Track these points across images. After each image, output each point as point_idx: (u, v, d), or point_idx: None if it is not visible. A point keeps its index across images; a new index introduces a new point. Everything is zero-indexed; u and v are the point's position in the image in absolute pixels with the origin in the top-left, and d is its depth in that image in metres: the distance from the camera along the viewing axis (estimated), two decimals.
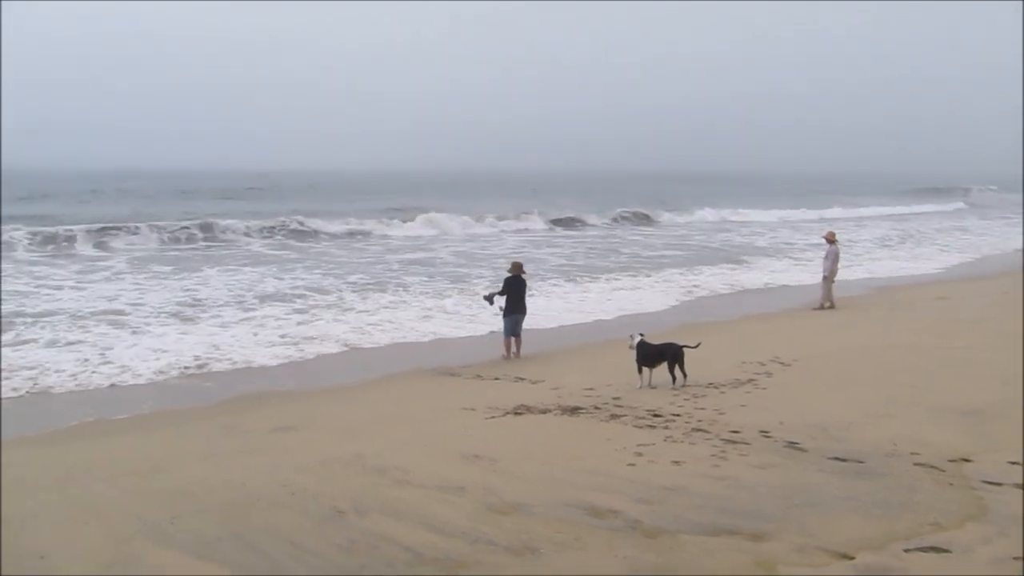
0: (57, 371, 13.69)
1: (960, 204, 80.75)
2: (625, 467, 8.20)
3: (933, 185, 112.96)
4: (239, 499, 7.62)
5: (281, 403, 12.03)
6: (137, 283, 23.88)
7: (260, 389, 13.01)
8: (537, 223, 47.36)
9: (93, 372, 13.81)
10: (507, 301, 15.81)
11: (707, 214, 56.40)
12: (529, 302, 16.38)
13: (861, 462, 8.11)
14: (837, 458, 8.26)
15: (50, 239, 33.73)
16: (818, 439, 8.94)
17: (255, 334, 16.74)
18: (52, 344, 15.66)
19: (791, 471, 7.96)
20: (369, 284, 24.13)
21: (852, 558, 5.96)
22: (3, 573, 5.81)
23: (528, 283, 16.73)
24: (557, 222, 49.14)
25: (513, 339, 15.63)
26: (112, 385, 13.32)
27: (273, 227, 39.75)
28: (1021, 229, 44.11)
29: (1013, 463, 7.91)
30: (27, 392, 12.80)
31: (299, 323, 18.05)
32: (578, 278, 26.03)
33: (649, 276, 26.84)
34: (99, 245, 33.77)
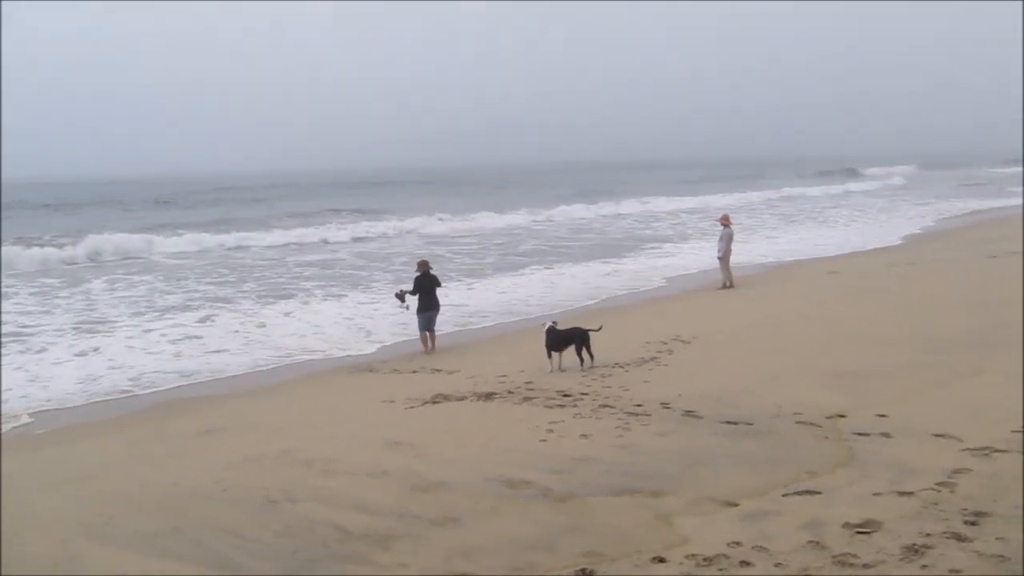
0: None
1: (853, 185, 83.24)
2: (537, 443, 8.86)
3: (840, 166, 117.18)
4: (173, 497, 7.99)
5: (205, 407, 12.29)
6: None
7: (182, 396, 13.20)
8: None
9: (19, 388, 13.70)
10: (419, 298, 16.26)
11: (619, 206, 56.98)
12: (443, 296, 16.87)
13: (750, 424, 8.96)
14: (729, 422, 9.09)
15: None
16: (712, 407, 9.76)
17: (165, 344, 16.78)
18: None
19: (687, 436, 8.75)
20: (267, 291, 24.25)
21: (737, 505, 6.74)
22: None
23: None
24: None
25: (427, 334, 16.08)
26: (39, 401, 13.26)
27: None
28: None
29: (880, 415, 8.86)
30: None
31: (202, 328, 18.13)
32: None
33: (555, 267, 27.60)
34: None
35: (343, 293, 22.75)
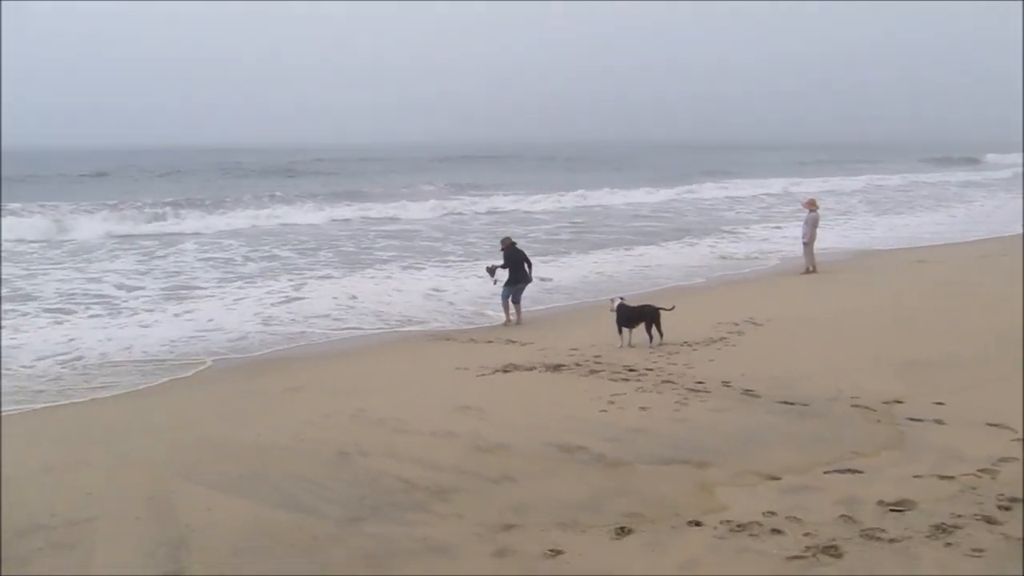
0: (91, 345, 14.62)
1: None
2: (597, 413, 9.27)
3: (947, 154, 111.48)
4: (256, 446, 8.70)
5: (290, 367, 13.07)
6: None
7: (270, 355, 14.03)
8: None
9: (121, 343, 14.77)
10: (510, 272, 16.74)
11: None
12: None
13: (806, 405, 9.19)
14: (785, 402, 9.34)
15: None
16: (772, 387, 10.00)
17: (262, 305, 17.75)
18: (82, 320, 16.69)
19: (742, 413, 9.04)
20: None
21: (779, 479, 7.04)
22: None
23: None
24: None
25: (513, 305, 16.57)
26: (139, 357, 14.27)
27: None
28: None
29: (938, 403, 8.97)
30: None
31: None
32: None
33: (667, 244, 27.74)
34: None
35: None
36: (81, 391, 11.84)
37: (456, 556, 5.92)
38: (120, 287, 20.04)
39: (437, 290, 19.63)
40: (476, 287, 19.66)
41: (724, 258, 25.10)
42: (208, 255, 25.67)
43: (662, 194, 48.98)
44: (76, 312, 17.13)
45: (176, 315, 16.91)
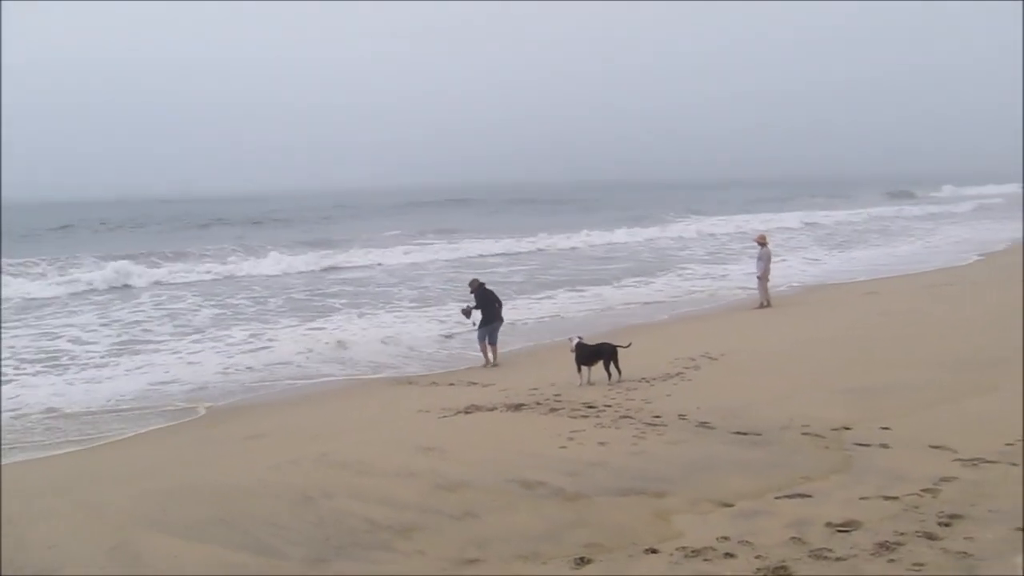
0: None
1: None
2: (557, 449, 9.46)
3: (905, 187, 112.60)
4: (220, 493, 8.73)
5: (251, 415, 13.13)
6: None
7: (229, 404, 14.06)
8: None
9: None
10: (482, 312, 16.93)
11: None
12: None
13: (759, 434, 9.47)
14: (739, 432, 9.61)
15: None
16: (726, 419, 10.27)
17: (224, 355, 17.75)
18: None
19: (698, 445, 9.29)
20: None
21: (732, 505, 7.28)
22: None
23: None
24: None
25: (490, 346, 16.71)
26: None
27: None
28: None
29: (884, 428, 9.31)
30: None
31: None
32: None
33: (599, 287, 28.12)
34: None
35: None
36: (39, 445, 11.80)
37: None
38: (76, 341, 19.90)
39: (395, 335, 19.73)
40: (435, 329, 19.91)
41: (680, 295, 25.58)
42: (166, 306, 25.58)
43: (622, 233, 49.33)
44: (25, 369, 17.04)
45: (133, 368, 16.89)
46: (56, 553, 7.40)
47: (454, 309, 20.51)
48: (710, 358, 14.79)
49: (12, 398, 14.48)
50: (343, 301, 25.75)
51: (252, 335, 19.99)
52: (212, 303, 25.86)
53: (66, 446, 11.93)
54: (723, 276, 29.94)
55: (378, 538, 7.16)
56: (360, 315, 22.94)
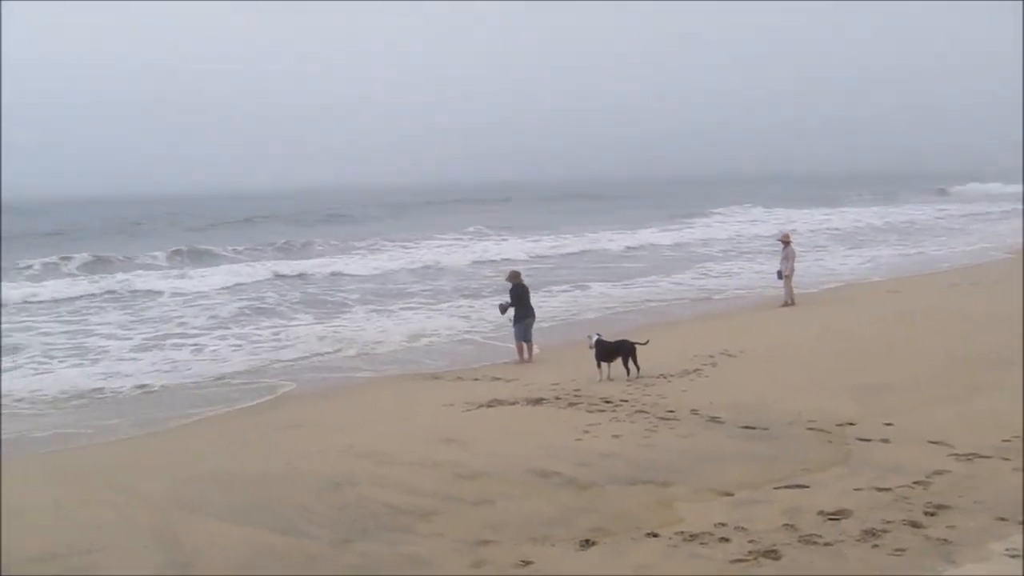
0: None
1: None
2: (573, 441, 9.94)
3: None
4: (254, 479, 9.32)
5: (286, 406, 13.75)
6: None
7: (270, 396, 14.74)
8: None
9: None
10: (516, 308, 17.30)
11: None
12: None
13: (765, 429, 9.89)
14: (746, 427, 10.04)
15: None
16: (736, 414, 10.69)
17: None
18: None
19: (706, 438, 9.74)
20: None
21: (732, 494, 7.73)
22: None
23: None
24: None
25: (525, 344, 17.02)
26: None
27: None
28: None
29: (887, 424, 9.68)
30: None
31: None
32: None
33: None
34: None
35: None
36: (86, 434, 12.51)
37: (436, 568, 6.58)
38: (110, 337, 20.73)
39: (422, 331, 20.34)
40: (459, 325, 20.56)
41: (703, 296, 25.89)
42: (199, 303, 26.42)
43: (657, 231, 49.32)
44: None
45: (162, 361, 17.70)
46: (101, 532, 7.99)
47: (491, 305, 21.09)
48: (729, 355, 15.17)
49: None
50: (418, 299, 26.31)
51: (281, 331, 20.73)
52: (249, 301, 26.65)
53: (107, 434, 12.63)
54: (754, 273, 30.18)
55: (399, 522, 7.68)
56: (380, 312, 23.68)
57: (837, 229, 49.26)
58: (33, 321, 23.44)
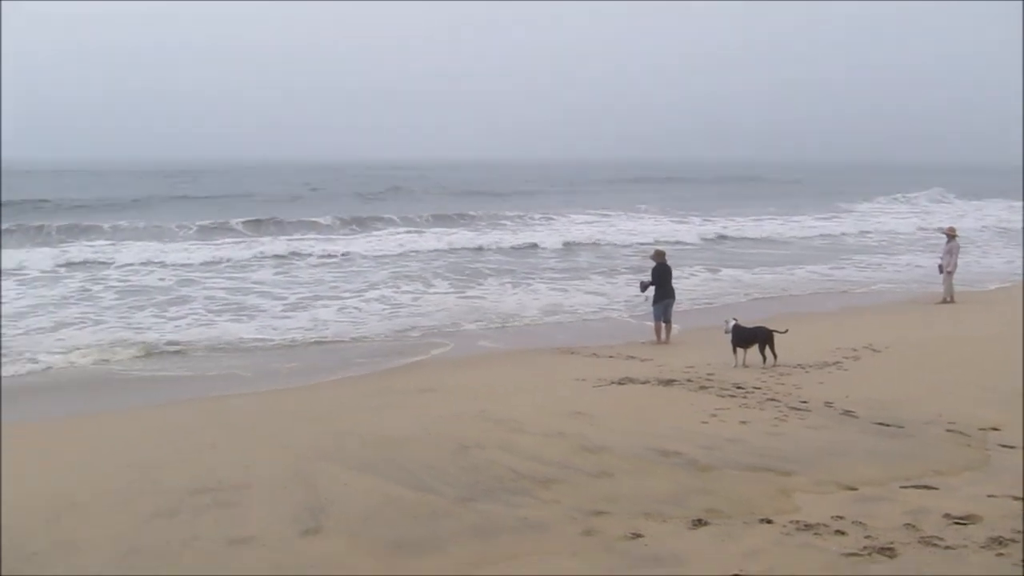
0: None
1: None
2: (699, 424, 9.97)
3: None
4: (389, 437, 9.85)
5: (422, 371, 14.34)
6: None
7: (409, 360, 15.39)
8: None
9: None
10: (656, 288, 17.29)
11: None
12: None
13: (900, 427, 9.60)
14: (881, 423, 9.76)
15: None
16: (872, 409, 10.41)
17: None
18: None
19: (837, 431, 9.55)
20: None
21: (856, 489, 7.59)
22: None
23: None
24: None
25: (663, 324, 17.04)
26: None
27: None
28: None
29: None
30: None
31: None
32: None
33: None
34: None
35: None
36: (238, 384, 13.50)
37: (549, 532, 6.83)
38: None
39: (559, 305, 20.69)
40: (597, 302, 20.69)
41: (850, 288, 25.00)
42: (349, 267, 27.79)
43: (810, 220, 47.80)
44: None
45: (310, 321, 18.78)
46: (248, 472, 8.68)
47: (626, 283, 21.23)
48: (873, 350, 14.69)
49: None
50: (559, 274, 26.91)
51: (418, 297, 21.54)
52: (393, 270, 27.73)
53: (256, 385, 13.58)
54: (913, 267, 28.90)
55: (521, 485, 7.98)
56: (518, 285, 24.21)
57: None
58: (200, 277, 25.40)
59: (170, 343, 16.45)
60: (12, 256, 28.10)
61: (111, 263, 27.82)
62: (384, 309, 20.38)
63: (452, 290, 23.34)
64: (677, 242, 35.81)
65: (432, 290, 23.34)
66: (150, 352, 15.83)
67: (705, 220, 45.57)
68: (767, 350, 13.68)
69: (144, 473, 8.76)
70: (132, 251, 29.81)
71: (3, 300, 20.51)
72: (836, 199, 64.06)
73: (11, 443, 10.05)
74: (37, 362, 14.91)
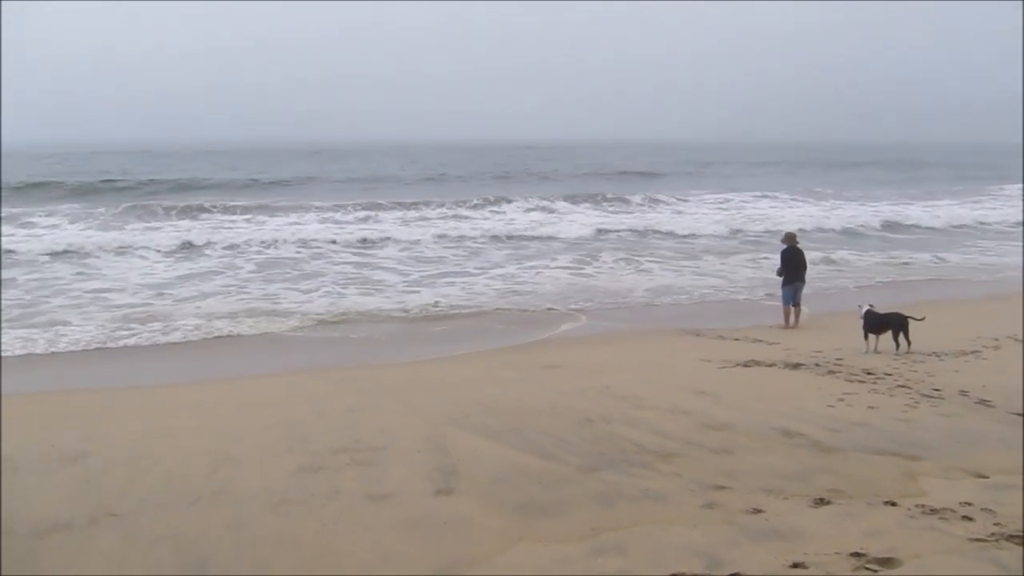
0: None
1: None
2: (825, 408, 9.93)
3: None
4: (516, 408, 10.22)
5: (549, 348, 14.67)
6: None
7: (537, 336, 15.78)
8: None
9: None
10: (786, 271, 17.06)
11: None
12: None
13: None
14: (1018, 414, 9.46)
15: None
16: (1011, 399, 10.08)
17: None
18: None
19: (970, 420, 9.34)
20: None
21: (986, 477, 7.47)
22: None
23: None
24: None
25: (792, 308, 16.77)
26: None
27: None
28: None
29: None
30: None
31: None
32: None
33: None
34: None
35: None
36: (371, 354, 14.22)
37: (669, 503, 7.03)
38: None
39: (692, 286, 20.69)
40: (729, 285, 20.54)
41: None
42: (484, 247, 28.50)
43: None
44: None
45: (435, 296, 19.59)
46: (384, 435, 9.21)
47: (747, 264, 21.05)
48: (1016, 340, 14.11)
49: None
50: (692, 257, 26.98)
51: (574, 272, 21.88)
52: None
53: (390, 355, 14.24)
54: None
55: (643, 459, 8.20)
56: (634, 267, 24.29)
57: None
58: (331, 251, 26.86)
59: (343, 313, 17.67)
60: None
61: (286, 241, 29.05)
62: (511, 286, 20.90)
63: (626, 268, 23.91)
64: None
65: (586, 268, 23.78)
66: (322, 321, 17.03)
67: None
68: (900, 336, 13.35)
69: (290, 431, 9.41)
70: (311, 228, 31.86)
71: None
72: (972, 182, 60.94)
73: (177, 402, 11.03)
74: (195, 329, 16.10)
